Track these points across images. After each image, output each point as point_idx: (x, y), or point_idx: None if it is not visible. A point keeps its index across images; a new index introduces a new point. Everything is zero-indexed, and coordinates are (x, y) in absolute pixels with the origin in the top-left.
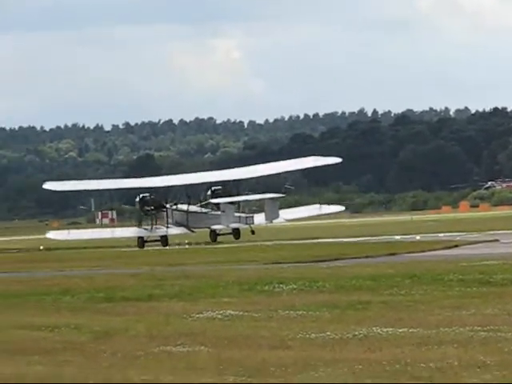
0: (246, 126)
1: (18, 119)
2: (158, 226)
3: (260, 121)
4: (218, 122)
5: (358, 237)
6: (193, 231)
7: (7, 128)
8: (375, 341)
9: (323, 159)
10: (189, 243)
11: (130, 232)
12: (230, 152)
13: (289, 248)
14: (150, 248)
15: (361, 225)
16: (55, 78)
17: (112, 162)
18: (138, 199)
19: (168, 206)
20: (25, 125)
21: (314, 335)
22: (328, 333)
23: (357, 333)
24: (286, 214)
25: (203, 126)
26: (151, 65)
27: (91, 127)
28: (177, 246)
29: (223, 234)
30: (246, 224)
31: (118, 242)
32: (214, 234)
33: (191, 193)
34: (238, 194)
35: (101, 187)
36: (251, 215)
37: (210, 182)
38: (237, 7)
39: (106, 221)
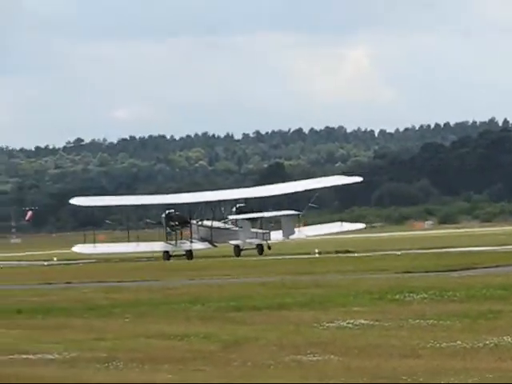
0: (376, 134)
1: (149, 128)
2: (182, 241)
3: (390, 130)
4: (349, 130)
5: (489, 246)
6: (215, 246)
7: (137, 137)
8: (506, 350)
9: (347, 178)
10: (319, 252)
11: (155, 246)
12: (360, 161)
13: (419, 257)
14: (281, 257)
15: (491, 234)
16: (185, 86)
17: (242, 170)
18: (164, 215)
19: (194, 221)
20: (155, 134)
21: (444, 344)
22: (459, 342)
23: (488, 342)
24: (308, 231)
25: (333, 134)
26: (281, 73)
27: (221, 136)
28: (316, 255)
29: (246, 249)
30: (263, 240)
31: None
32: (238, 249)
33: (216, 209)
34: (260, 211)
35: (124, 203)
36: (267, 231)
37: (234, 199)
38: (366, 16)
39: None
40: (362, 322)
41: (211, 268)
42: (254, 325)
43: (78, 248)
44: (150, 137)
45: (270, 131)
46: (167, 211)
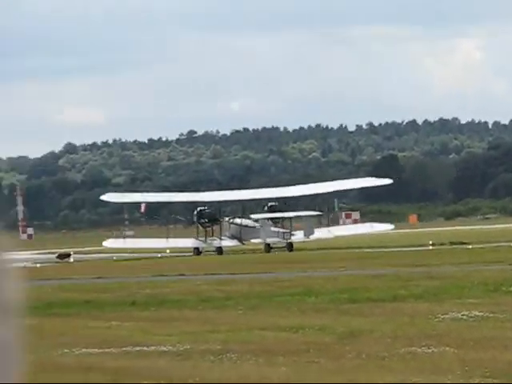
0: (490, 126)
1: (262, 120)
2: (213, 238)
3: (505, 121)
4: (463, 122)
5: None
6: (243, 243)
7: (251, 129)
8: None
9: (376, 180)
10: (433, 244)
11: (186, 243)
12: (474, 152)
13: None
14: (395, 250)
15: None
16: (299, 78)
17: (356, 162)
18: (195, 212)
19: (226, 219)
20: (268, 126)
21: None
22: None
23: None
24: (338, 231)
25: (447, 126)
26: (394, 65)
27: (335, 128)
28: (430, 247)
29: (278, 248)
30: (284, 239)
31: (361, 243)
32: (268, 247)
33: (247, 207)
34: (291, 210)
35: (152, 200)
36: (288, 231)
37: (263, 199)
38: (479, 8)
39: (349, 221)
40: (477, 313)
41: (324, 260)
42: (368, 317)
43: (109, 243)
44: (264, 129)
45: (383, 123)
46: (199, 208)
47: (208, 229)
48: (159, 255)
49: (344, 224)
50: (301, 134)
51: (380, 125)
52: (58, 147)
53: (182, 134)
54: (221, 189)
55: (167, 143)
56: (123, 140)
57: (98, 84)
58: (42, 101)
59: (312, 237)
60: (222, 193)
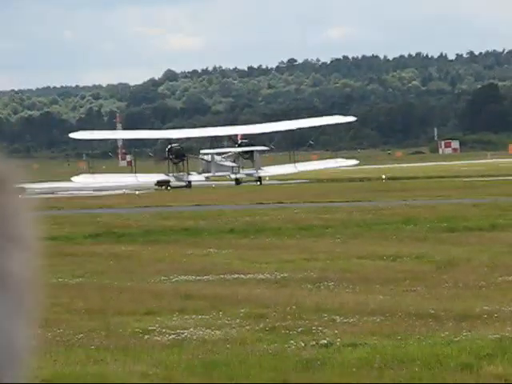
0: None
1: (362, 48)
2: (181, 174)
3: None
4: None
5: None
6: (208, 178)
7: (350, 57)
8: None
9: (342, 118)
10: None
11: (155, 178)
12: None
13: None
14: (494, 179)
15: None
16: (400, 5)
17: (455, 91)
18: (167, 149)
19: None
20: (368, 54)
21: None
22: None
23: None
24: (304, 166)
25: None
26: None
27: (435, 56)
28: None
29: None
30: (233, 173)
31: (460, 172)
32: (237, 182)
33: (215, 144)
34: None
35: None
36: (237, 165)
37: (225, 136)
38: None
39: (448, 150)
40: None
41: (425, 189)
42: (466, 246)
43: (80, 179)
44: (364, 57)
45: (483, 52)
46: (169, 145)
47: (178, 164)
48: (257, 183)
49: (443, 153)
50: (400, 62)
51: (480, 54)
52: (158, 74)
53: (281, 62)
54: (320, 116)
55: (267, 71)
56: (223, 67)
57: (198, 11)
58: (143, 27)
59: (262, 171)
60: (189, 130)
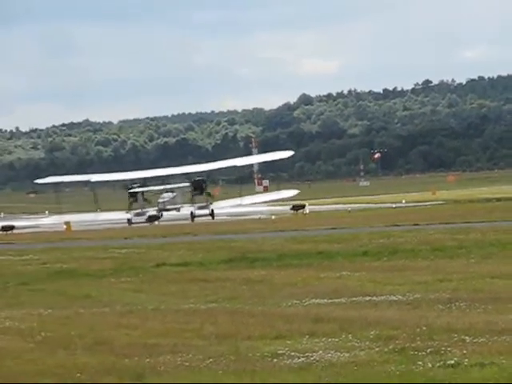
0: None
1: (498, 68)
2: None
3: None
4: None
5: None
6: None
7: (486, 77)
8: None
9: (274, 154)
10: None
11: (119, 215)
12: None
13: None
14: None
15: None
16: None
17: None
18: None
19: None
20: (504, 73)
21: None
22: None
23: None
24: (247, 200)
25: None
26: None
27: None
28: None
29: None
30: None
31: None
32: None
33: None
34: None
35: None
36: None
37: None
38: None
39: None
40: None
41: None
42: None
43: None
44: (499, 77)
45: None
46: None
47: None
48: (393, 205)
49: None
50: None
51: None
52: (293, 98)
53: (417, 84)
54: (456, 137)
55: (402, 93)
56: (358, 90)
57: (332, 34)
58: (277, 51)
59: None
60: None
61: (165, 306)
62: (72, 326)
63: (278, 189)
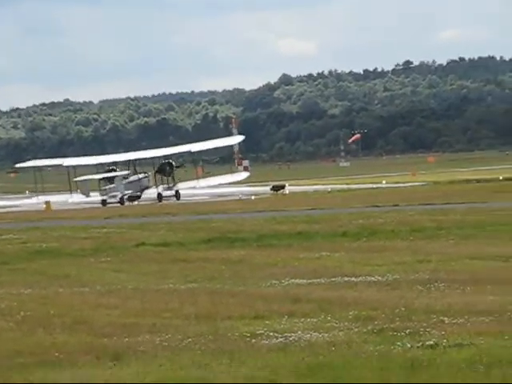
0: None
1: (478, 49)
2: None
3: None
4: None
5: None
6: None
7: (466, 58)
8: None
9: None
10: None
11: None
12: None
13: None
14: None
15: None
16: None
17: None
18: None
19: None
20: (484, 55)
21: None
22: None
23: None
24: (203, 182)
25: None
26: None
27: None
28: None
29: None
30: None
31: None
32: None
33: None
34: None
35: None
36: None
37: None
38: None
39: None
40: None
41: None
42: None
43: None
44: (480, 58)
45: None
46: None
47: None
48: (374, 186)
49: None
50: None
51: None
52: (273, 79)
53: (397, 65)
54: (437, 118)
55: (383, 73)
56: (339, 71)
57: (313, 14)
58: (257, 32)
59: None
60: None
61: (144, 285)
62: (51, 306)
63: (232, 172)
